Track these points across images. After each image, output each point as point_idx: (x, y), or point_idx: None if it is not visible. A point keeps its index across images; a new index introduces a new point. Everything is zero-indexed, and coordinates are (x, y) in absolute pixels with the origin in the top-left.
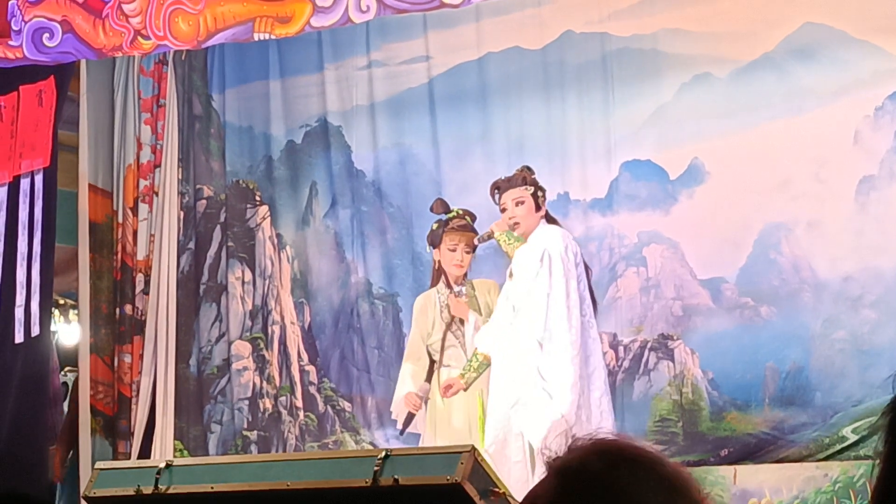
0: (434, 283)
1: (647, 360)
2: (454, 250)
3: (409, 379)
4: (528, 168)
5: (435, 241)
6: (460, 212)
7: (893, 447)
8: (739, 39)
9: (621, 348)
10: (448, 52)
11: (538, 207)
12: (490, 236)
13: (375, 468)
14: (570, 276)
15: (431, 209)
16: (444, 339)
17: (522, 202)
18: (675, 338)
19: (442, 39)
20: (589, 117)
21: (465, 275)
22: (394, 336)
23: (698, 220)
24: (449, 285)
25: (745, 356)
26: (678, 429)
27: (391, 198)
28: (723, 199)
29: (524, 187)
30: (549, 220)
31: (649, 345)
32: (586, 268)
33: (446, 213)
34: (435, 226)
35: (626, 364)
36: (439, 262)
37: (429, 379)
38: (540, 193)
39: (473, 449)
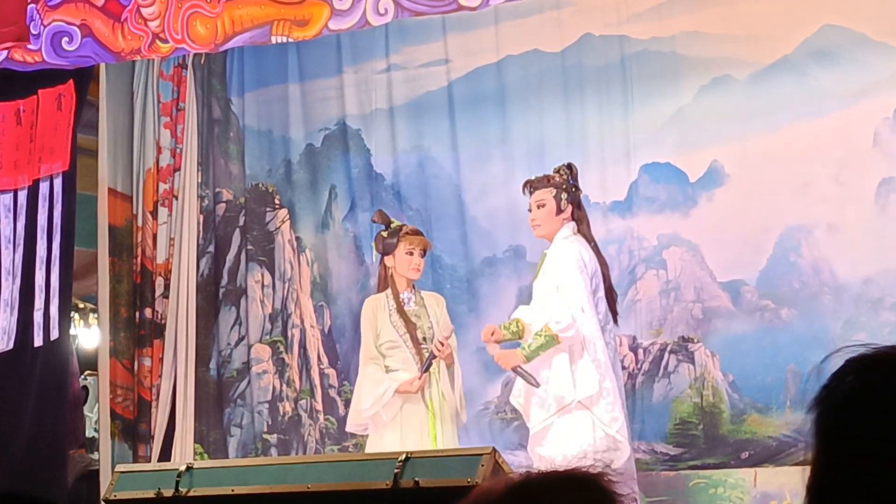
0: (382, 289)
1: (667, 362)
2: (411, 254)
3: (380, 377)
4: (568, 167)
5: (388, 249)
6: (396, 222)
7: (822, 445)
8: (758, 42)
9: (641, 351)
10: (467, 56)
11: (559, 210)
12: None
13: (396, 470)
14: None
15: (373, 220)
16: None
17: (543, 205)
18: (695, 340)
19: (461, 43)
20: (608, 120)
21: (414, 285)
22: None
23: (718, 222)
24: (396, 292)
25: (766, 359)
26: (699, 431)
27: (410, 201)
28: (742, 202)
29: (547, 189)
30: (578, 220)
31: (669, 347)
32: (604, 280)
33: (385, 224)
34: (384, 234)
35: (645, 367)
36: (392, 268)
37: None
38: (564, 196)
39: (494, 451)
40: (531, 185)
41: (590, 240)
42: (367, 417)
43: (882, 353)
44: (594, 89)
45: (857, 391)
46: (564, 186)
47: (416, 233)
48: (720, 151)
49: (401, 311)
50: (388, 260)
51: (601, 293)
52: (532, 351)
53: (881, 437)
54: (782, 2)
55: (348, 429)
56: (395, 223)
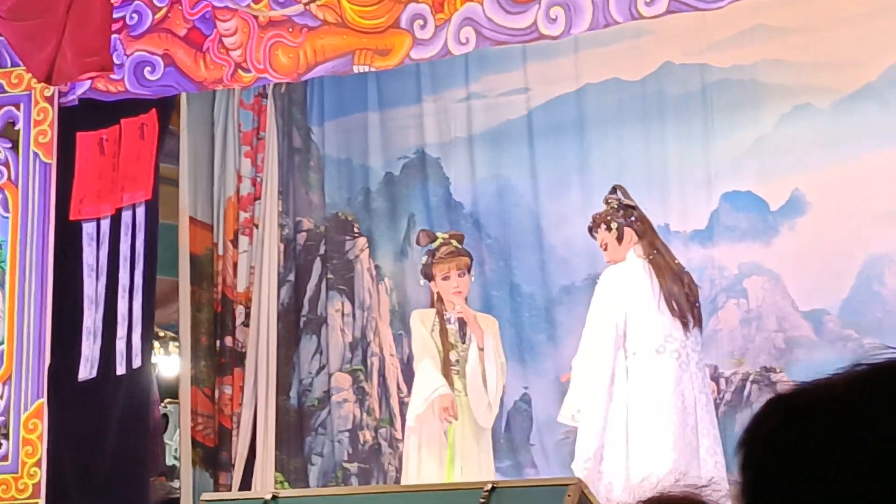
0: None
1: (750, 392)
2: (447, 279)
3: (433, 375)
4: (613, 190)
5: (428, 275)
6: (445, 237)
7: (747, 491)
8: (840, 69)
9: (723, 380)
10: (547, 84)
11: (620, 240)
12: None
13: (482, 500)
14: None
15: (417, 242)
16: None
17: (606, 246)
18: (777, 370)
19: (541, 71)
20: (688, 148)
21: (466, 298)
22: None
23: (800, 251)
24: (441, 312)
25: None
26: None
27: (489, 229)
28: (825, 231)
29: (601, 228)
30: (641, 234)
31: (751, 377)
32: (669, 300)
33: (433, 242)
34: (425, 259)
35: (727, 397)
36: (437, 293)
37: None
38: (615, 225)
39: (580, 482)
40: (590, 231)
41: (649, 253)
42: (417, 417)
43: (803, 391)
44: (674, 118)
45: (779, 434)
46: (610, 216)
47: (451, 254)
48: (802, 180)
49: (442, 330)
50: (433, 286)
51: (649, 319)
52: None
53: (804, 481)
54: (865, 29)
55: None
56: (440, 238)
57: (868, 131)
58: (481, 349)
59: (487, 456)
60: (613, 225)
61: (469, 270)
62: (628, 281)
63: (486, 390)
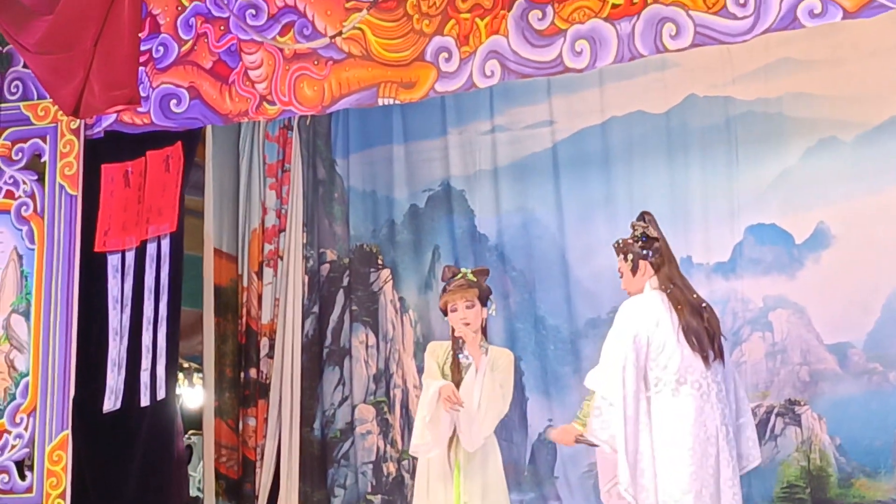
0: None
1: (774, 425)
2: (455, 310)
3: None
4: (640, 217)
5: (441, 309)
6: (465, 271)
7: None
8: (865, 103)
9: None
10: (572, 117)
11: (635, 271)
12: None
13: None
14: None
15: (442, 278)
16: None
17: (622, 273)
18: (802, 403)
19: (565, 104)
20: (712, 181)
21: (484, 330)
22: (516, 400)
23: (825, 284)
24: (455, 347)
25: (874, 422)
26: (806, 495)
27: (514, 262)
28: (850, 264)
29: (619, 257)
30: (657, 267)
31: (775, 410)
32: (688, 334)
33: (454, 277)
34: (441, 294)
35: None
36: (452, 326)
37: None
38: (631, 256)
39: None
40: (616, 254)
41: (666, 286)
42: (426, 425)
43: None
44: (698, 150)
45: None
46: (627, 248)
47: (461, 287)
48: (826, 213)
49: (454, 362)
50: (450, 320)
51: (669, 350)
52: (585, 416)
53: None
54: (890, 63)
55: (411, 451)
56: (461, 273)
57: (893, 164)
58: (477, 371)
59: (497, 484)
60: (629, 256)
61: (483, 303)
62: (646, 312)
63: (474, 412)
